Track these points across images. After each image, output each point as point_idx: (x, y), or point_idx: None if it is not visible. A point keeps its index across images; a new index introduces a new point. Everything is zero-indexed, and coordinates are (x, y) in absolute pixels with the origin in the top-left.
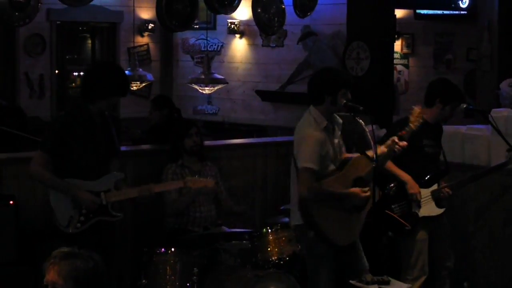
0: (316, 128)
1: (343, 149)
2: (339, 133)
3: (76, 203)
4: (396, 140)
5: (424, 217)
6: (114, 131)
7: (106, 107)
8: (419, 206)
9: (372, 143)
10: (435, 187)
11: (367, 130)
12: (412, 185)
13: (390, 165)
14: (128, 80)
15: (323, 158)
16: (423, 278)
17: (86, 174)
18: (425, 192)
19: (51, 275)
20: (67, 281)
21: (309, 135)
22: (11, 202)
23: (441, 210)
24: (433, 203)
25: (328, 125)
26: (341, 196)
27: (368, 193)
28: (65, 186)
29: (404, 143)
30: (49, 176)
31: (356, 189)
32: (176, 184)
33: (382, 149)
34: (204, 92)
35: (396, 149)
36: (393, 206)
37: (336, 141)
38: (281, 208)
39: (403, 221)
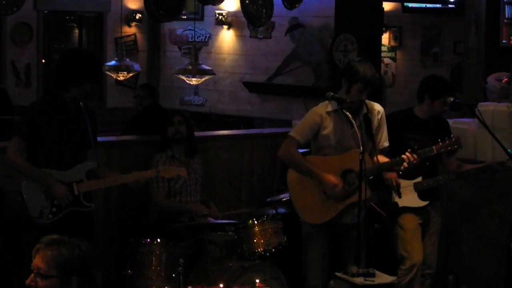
0: (323, 108)
1: (370, 143)
2: (360, 122)
3: (49, 194)
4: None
5: (410, 207)
6: (89, 121)
7: (79, 95)
8: (399, 195)
9: (359, 136)
10: (419, 179)
11: (354, 123)
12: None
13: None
14: (100, 67)
15: (320, 137)
16: (415, 269)
17: (58, 163)
18: (407, 183)
19: (36, 260)
20: (50, 267)
21: (310, 112)
22: None
23: (423, 203)
24: (415, 195)
25: (338, 110)
26: (309, 172)
27: (339, 186)
28: (41, 176)
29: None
30: (25, 164)
31: (329, 176)
32: (149, 174)
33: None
34: (191, 83)
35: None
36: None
37: (352, 129)
38: (268, 200)
39: (378, 209)
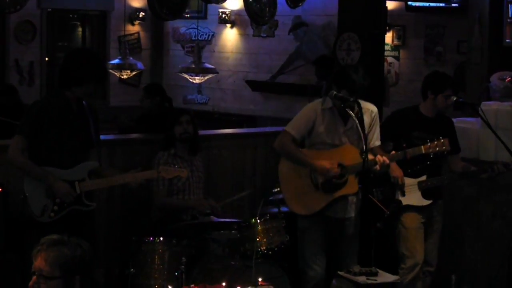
0: (318, 105)
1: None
2: (355, 122)
3: (50, 192)
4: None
5: (413, 206)
6: (91, 120)
7: (82, 95)
8: (403, 193)
9: (362, 134)
10: (423, 178)
11: (357, 121)
12: (394, 168)
13: (377, 150)
14: (104, 68)
15: (314, 133)
16: (418, 268)
17: (61, 162)
18: (412, 181)
19: (38, 262)
20: (53, 268)
21: (305, 108)
22: None
23: (426, 202)
24: (419, 193)
25: (333, 108)
26: (302, 161)
27: (334, 171)
28: (43, 174)
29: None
30: (27, 162)
31: (322, 162)
32: (149, 174)
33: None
34: (194, 81)
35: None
36: (374, 190)
37: (345, 128)
38: (270, 198)
39: (381, 206)
